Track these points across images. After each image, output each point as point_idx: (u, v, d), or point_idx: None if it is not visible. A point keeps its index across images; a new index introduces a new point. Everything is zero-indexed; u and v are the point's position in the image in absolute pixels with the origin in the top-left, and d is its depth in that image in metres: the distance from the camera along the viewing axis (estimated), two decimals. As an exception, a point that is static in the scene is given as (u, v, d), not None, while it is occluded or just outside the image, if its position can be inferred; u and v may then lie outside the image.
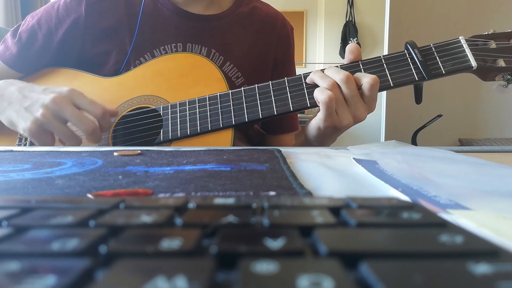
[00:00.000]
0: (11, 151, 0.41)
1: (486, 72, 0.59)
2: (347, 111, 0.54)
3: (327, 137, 0.58)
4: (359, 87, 0.54)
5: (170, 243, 0.10)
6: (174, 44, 0.70)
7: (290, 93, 0.57)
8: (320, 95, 0.53)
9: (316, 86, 0.57)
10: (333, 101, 0.53)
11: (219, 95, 0.59)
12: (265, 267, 0.09)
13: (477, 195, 0.22)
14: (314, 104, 0.57)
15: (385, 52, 1.55)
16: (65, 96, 0.53)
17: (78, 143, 0.54)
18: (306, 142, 0.62)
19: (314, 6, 3.82)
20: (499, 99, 1.66)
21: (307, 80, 0.57)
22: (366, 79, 0.53)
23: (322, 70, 0.57)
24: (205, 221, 0.12)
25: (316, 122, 0.57)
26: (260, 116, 0.57)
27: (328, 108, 0.53)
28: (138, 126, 0.62)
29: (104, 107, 0.55)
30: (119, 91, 0.65)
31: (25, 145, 0.64)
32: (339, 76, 0.54)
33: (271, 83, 0.59)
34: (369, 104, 0.55)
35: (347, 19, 3.64)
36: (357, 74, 0.55)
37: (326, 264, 0.09)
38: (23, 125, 0.53)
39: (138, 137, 0.62)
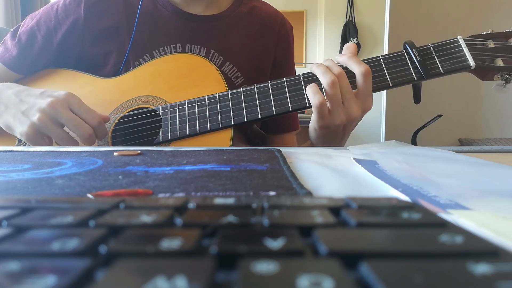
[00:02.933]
0: (11, 151, 0.41)
1: (484, 72, 0.59)
2: (341, 110, 0.54)
3: (326, 137, 0.58)
4: (353, 80, 0.54)
5: (170, 243, 0.10)
6: (174, 45, 0.70)
7: (289, 93, 0.57)
8: (312, 98, 0.54)
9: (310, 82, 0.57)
10: (324, 105, 0.53)
11: (218, 95, 0.59)
12: (265, 267, 0.09)
13: (477, 195, 0.22)
14: None
15: (385, 52, 1.55)
16: (62, 100, 0.52)
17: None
18: (311, 145, 0.63)
19: (314, 6, 3.82)
20: (499, 99, 1.66)
21: (310, 69, 0.58)
22: (358, 69, 0.53)
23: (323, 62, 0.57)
24: (205, 221, 0.12)
25: (311, 123, 0.58)
26: (259, 116, 0.57)
27: (320, 111, 0.53)
28: (138, 126, 0.62)
29: (100, 116, 0.55)
30: (119, 92, 0.65)
31: (24, 145, 0.64)
32: (335, 70, 0.54)
33: (270, 83, 0.59)
34: (363, 100, 0.55)
35: (347, 19, 3.63)
36: (350, 64, 0.55)
37: (326, 264, 0.09)
38: (20, 129, 0.53)
39: (138, 137, 0.62)
